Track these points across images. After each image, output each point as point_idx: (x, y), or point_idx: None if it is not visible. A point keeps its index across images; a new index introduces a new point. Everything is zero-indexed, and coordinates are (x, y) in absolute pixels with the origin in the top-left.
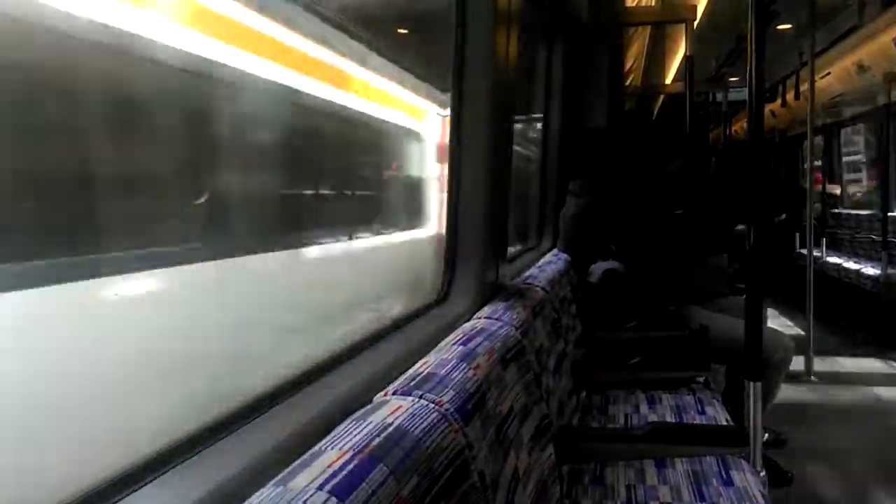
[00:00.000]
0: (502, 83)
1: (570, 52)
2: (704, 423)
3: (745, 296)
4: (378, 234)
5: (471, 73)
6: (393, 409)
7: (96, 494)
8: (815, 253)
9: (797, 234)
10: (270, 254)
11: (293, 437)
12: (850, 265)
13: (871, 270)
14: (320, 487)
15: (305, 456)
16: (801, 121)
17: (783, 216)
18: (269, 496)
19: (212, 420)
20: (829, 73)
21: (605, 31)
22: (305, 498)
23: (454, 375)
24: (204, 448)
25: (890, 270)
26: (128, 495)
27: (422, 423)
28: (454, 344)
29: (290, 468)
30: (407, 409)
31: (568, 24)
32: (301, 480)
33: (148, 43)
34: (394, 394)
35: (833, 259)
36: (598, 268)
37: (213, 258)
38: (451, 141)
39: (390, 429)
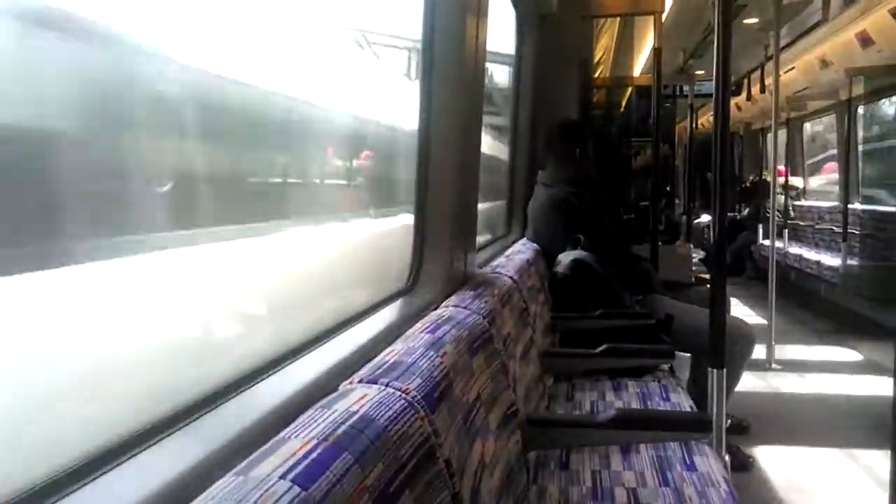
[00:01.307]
0: (472, 72)
1: (540, 43)
2: (669, 409)
3: (709, 286)
4: None
5: (440, 62)
6: (359, 398)
7: (43, 486)
8: (778, 244)
9: (759, 226)
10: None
11: (256, 425)
12: (811, 256)
13: (831, 261)
14: (283, 476)
15: (268, 444)
16: (766, 114)
17: (743, 212)
18: (229, 485)
19: (170, 409)
20: (793, 68)
21: (574, 22)
22: (267, 487)
23: (421, 363)
24: (162, 437)
25: (849, 261)
26: (81, 486)
27: (388, 411)
28: (421, 332)
29: (251, 457)
30: (373, 398)
31: (537, 14)
32: (263, 469)
33: None
34: (360, 382)
35: (795, 250)
36: (565, 257)
37: None
38: (419, 130)
39: (355, 417)
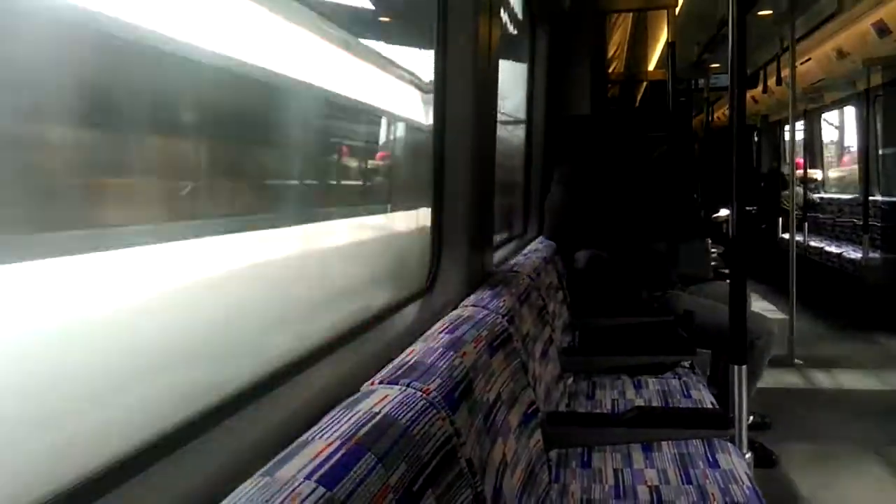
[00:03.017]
0: (485, 69)
1: (553, 39)
2: (690, 406)
3: (728, 281)
4: None
5: (453, 61)
6: (380, 398)
7: (72, 492)
8: (798, 237)
9: (780, 219)
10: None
11: (280, 427)
12: (832, 249)
13: (852, 254)
14: (308, 477)
15: (292, 446)
16: (783, 106)
17: (754, 208)
18: (255, 487)
19: (197, 412)
20: (809, 59)
21: (587, 18)
22: (293, 488)
23: (441, 364)
24: (189, 441)
25: (871, 254)
26: (107, 492)
27: (409, 411)
28: (441, 332)
29: (276, 459)
30: (394, 398)
31: (550, 11)
32: (288, 471)
33: None
34: (381, 383)
35: (815, 243)
36: (583, 255)
37: None
38: (434, 130)
39: (378, 417)
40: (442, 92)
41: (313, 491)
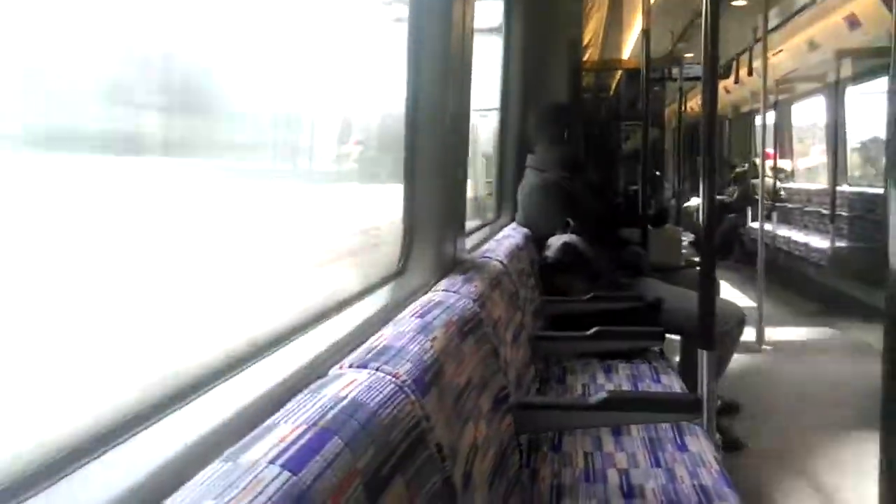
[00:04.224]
0: (460, 54)
1: (529, 25)
2: (660, 391)
3: (698, 268)
4: None
5: (427, 44)
6: (348, 382)
7: (26, 480)
8: (766, 226)
9: (748, 209)
10: None
11: (245, 411)
12: (800, 238)
13: (820, 243)
14: (272, 461)
15: (257, 430)
16: (755, 97)
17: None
18: (218, 472)
19: (155, 396)
20: (781, 50)
21: (563, 3)
22: (257, 472)
23: (411, 348)
24: (150, 423)
25: (838, 243)
26: (64, 476)
27: (378, 395)
28: (411, 316)
29: (240, 443)
30: (363, 382)
31: None
32: (252, 455)
33: None
34: (350, 366)
35: (783, 232)
36: (555, 241)
37: None
38: (406, 113)
39: (345, 401)
40: (415, 75)
41: (278, 475)
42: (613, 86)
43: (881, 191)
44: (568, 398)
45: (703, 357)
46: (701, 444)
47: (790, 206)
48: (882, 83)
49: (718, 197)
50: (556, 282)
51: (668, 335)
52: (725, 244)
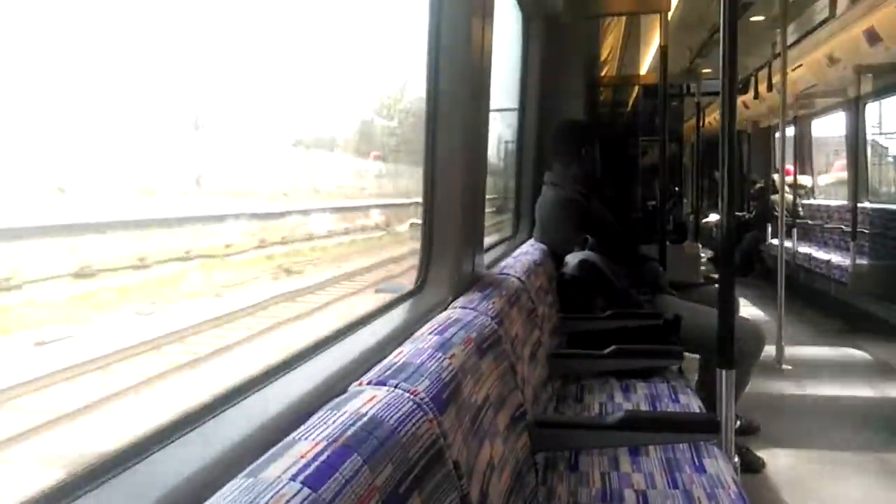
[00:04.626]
0: (478, 74)
1: (547, 43)
2: (678, 410)
3: (717, 286)
4: None
5: (446, 65)
6: (368, 399)
7: (54, 492)
8: (787, 243)
9: (768, 225)
10: None
11: (266, 427)
12: (821, 255)
13: (841, 260)
14: (293, 478)
15: (278, 446)
16: (774, 112)
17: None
18: (239, 487)
19: (179, 412)
20: (800, 65)
21: (580, 22)
22: (277, 489)
23: (429, 365)
24: (172, 440)
25: (859, 261)
26: (91, 489)
27: (396, 412)
28: (430, 333)
29: (261, 459)
30: (382, 399)
31: (544, 14)
32: (273, 471)
33: None
34: (369, 383)
35: (804, 249)
36: (573, 258)
37: None
38: (427, 130)
39: (365, 418)
40: (434, 94)
41: (298, 492)
42: (631, 101)
43: None
44: (585, 417)
45: (723, 376)
46: (719, 466)
47: (811, 222)
48: None
49: (738, 213)
50: (574, 299)
51: (686, 353)
52: (745, 261)
